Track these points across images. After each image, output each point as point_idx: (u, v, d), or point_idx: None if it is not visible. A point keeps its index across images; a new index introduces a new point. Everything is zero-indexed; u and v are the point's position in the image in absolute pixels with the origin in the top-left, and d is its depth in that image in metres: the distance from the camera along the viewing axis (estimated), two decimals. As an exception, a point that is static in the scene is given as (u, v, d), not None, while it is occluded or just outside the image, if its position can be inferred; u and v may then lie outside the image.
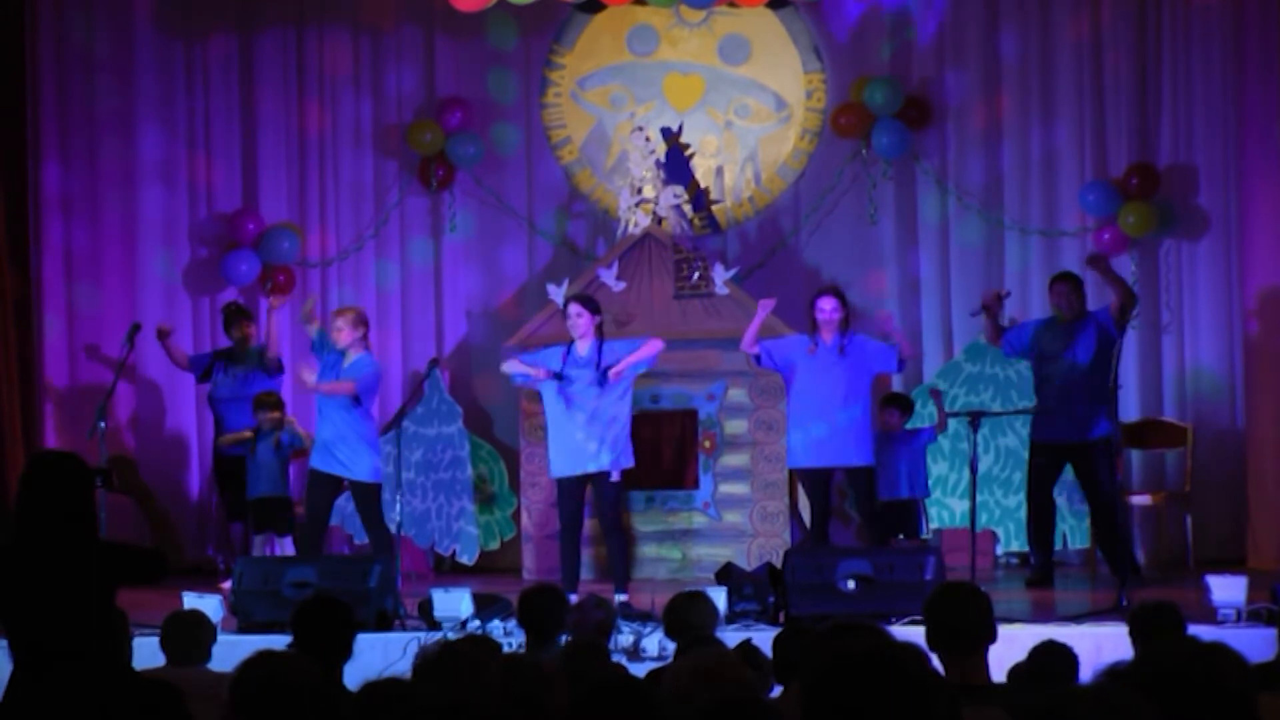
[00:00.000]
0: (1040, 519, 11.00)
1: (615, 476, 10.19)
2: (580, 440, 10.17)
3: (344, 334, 10.39)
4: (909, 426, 11.47)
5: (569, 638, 6.69)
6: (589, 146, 12.93)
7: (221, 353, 12.09)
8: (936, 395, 11.40)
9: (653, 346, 10.38)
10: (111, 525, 10.74)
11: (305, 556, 10.25)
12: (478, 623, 8.89)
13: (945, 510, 12.18)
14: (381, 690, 4.23)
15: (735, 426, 11.81)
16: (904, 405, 11.58)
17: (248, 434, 11.55)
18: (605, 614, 7.08)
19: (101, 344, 12.41)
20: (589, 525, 10.87)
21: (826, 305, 10.63)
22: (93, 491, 5.56)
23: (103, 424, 10.81)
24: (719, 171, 12.81)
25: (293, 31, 12.84)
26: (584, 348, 10.28)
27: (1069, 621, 8.84)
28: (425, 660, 4.44)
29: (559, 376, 10.22)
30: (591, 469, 10.18)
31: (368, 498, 10.49)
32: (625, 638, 8.54)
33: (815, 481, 10.72)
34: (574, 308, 10.34)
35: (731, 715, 3.38)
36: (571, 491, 10.26)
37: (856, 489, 10.79)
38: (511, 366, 10.51)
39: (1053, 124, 12.40)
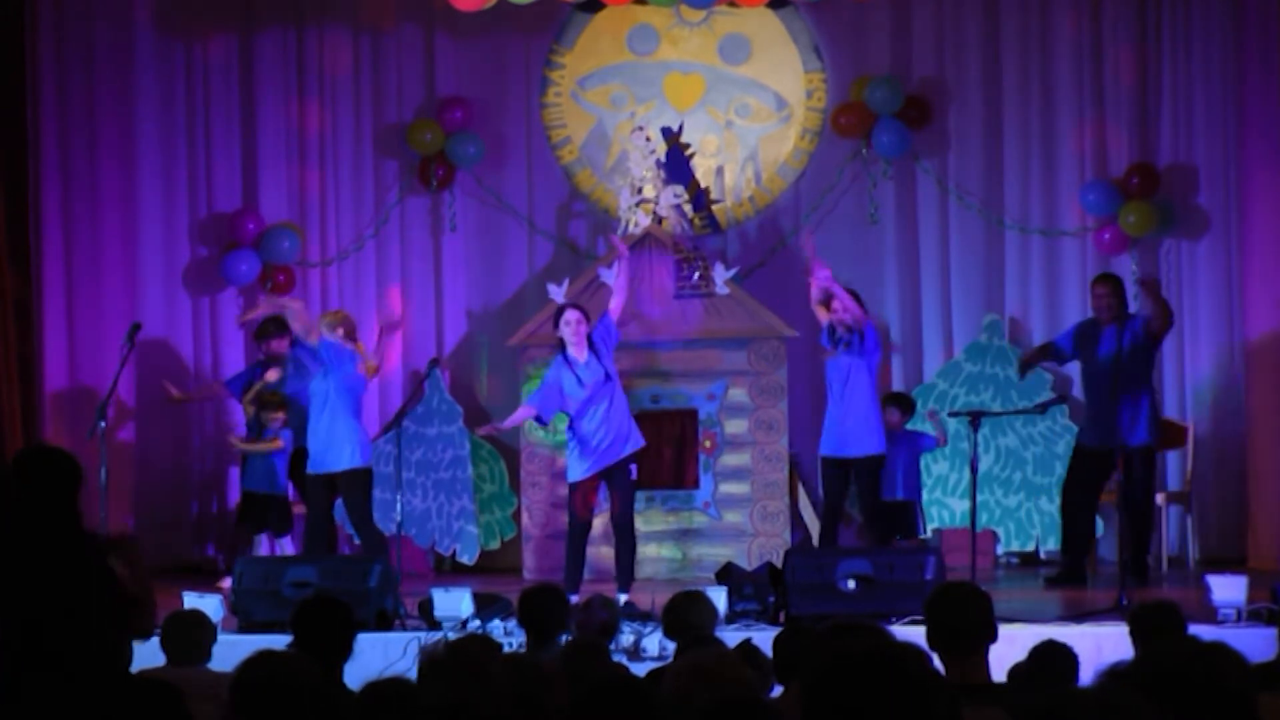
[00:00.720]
0: (1070, 522, 11.01)
1: (633, 474, 10.23)
2: (602, 437, 10.17)
3: (320, 334, 10.52)
4: (909, 427, 11.49)
5: (571, 637, 6.69)
6: (589, 146, 12.93)
7: (259, 364, 12.06)
8: (934, 417, 11.43)
9: (623, 269, 10.61)
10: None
11: (305, 556, 10.25)
12: (478, 622, 8.88)
13: (945, 510, 12.19)
14: (384, 690, 4.23)
15: (735, 426, 11.80)
16: (905, 405, 11.60)
17: (270, 445, 11.61)
18: (610, 615, 7.07)
19: (101, 344, 12.39)
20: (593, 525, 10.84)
21: (837, 304, 10.72)
22: (80, 489, 5.48)
23: (103, 424, 10.80)
24: (719, 171, 12.80)
25: (293, 31, 12.83)
26: (582, 354, 10.28)
27: (1069, 621, 8.84)
28: (431, 660, 4.43)
29: (539, 419, 10.56)
30: (612, 461, 10.17)
31: (351, 486, 10.46)
32: (625, 638, 8.54)
33: (832, 473, 10.75)
34: (574, 314, 10.32)
35: (732, 715, 3.37)
36: (590, 487, 10.24)
37: (861, 480, 10.75)
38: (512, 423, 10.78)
39: (1053, 123, 12.40)
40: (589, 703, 3.82)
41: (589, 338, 10.30)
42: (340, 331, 10.53)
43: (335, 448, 10.43)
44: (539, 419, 10.61)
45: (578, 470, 10.28)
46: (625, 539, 10.24)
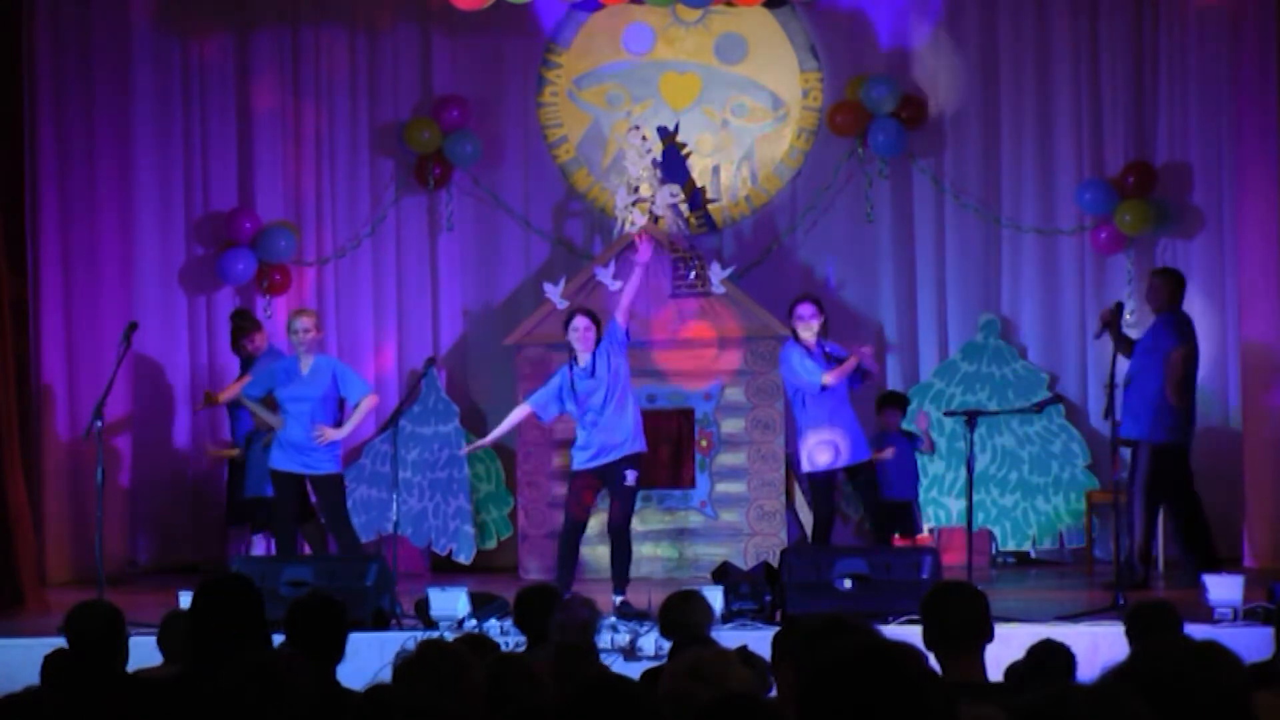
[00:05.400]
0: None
1: (630, 480, 10.07)
2: (602, 438, 10.05)
3: (312, 335, 10.39)
4: (904, 427, 11.49)
5: (555, 636, 6.67)
6: (585, 145, 12.93)
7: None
8: (924, 423, 11.36)
9: (634, 281, 10.35)
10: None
11: (302, 556, 10.24)
12: (474, 622, 8.88)
13: (942, 509, 12.19)
14: (379, 696, 4.21)
15: (732, 426, 11.80)
16: (902, 404, 11.61)
17: (232, 452, 11.86)
18: (590, 613, 7.00)
19: (98, 343, 12.37)
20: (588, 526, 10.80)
21: (805, 311, 10.42)
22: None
23: (99, 423, 10.79)
24: (715, 170, 12.80)
25: (289, 30, 12.83)
26: (585, 360, 10.12)
27: (1066, 620, 8.84)
28: (403, 662, 4.42)
29: (538, 418, 10.38)
30: (613, 457, 10.06)
31: (332, 491, 10.39)
32: (621, 637, 8.54)
33: (821, 486, 10.55)
34: (583, 320, 10.09)
35: (731, 713, 3.37)
36: (588, 484, 10.11)
37: (858, 484, 10.59)
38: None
39: (1049, 122, 12.41)
40: (580, 702, 3.82)
41: (597, 348, 10.12)
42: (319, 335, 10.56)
43: (318, 452, 10.33)
44: (538, 417, 10.45)
45: (578, 459, 10.18)
46: (621, 544, 10.08)
